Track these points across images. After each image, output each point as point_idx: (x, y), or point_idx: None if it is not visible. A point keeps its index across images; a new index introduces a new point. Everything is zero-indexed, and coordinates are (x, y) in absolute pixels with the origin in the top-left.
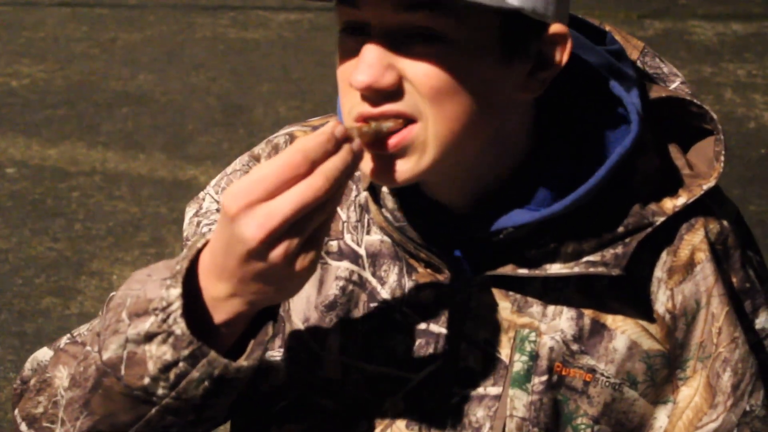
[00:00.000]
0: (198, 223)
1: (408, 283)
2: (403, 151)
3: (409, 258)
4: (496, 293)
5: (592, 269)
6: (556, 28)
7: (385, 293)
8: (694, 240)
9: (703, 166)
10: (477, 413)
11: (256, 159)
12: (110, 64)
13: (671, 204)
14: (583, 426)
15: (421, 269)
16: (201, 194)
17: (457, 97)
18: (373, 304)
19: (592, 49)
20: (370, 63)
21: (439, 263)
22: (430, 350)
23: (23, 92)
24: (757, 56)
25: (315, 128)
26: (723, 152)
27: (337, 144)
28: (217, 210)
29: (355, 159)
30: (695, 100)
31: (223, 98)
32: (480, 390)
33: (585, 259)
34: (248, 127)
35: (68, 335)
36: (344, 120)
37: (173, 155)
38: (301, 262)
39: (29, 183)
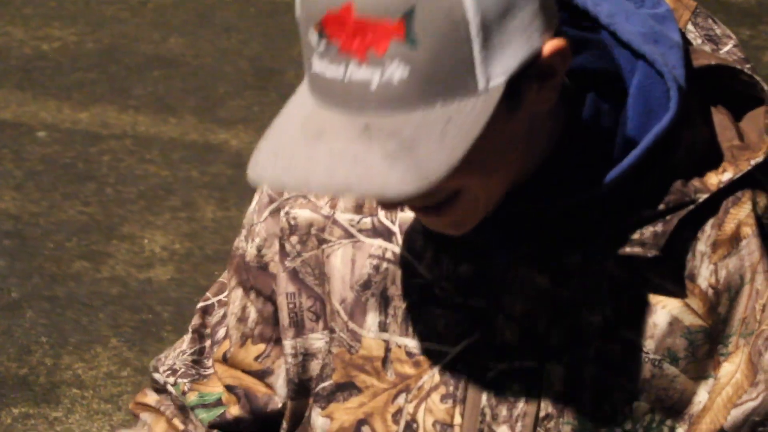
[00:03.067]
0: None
1: (445, 259)
2: (455, 215)
3: (443, 235)
4: (534, 267)
5: (628, 249)
6: (549, 47)
7: (422, 269)
8: (740, 214)
9: (755, 136)
10: (513, 387)
11: None
12: (141, 27)
13: (716, 179)
14: (621, 402)
15: (457, 244)
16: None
17: (493, 166)
18: (411, 281)
19: (635, 13)
20: (421, 199)
21: (475, 238)
22: (468, 324)
23: (54, 56)
24: None
25: None
26: None
27: None
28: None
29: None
30: (746, 68)
31: (255, 61)
32: (516, 364)
33: (623, 237)
34: (280, 90)
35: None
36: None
37: (204, 118)
38: None
39: (60, 147)
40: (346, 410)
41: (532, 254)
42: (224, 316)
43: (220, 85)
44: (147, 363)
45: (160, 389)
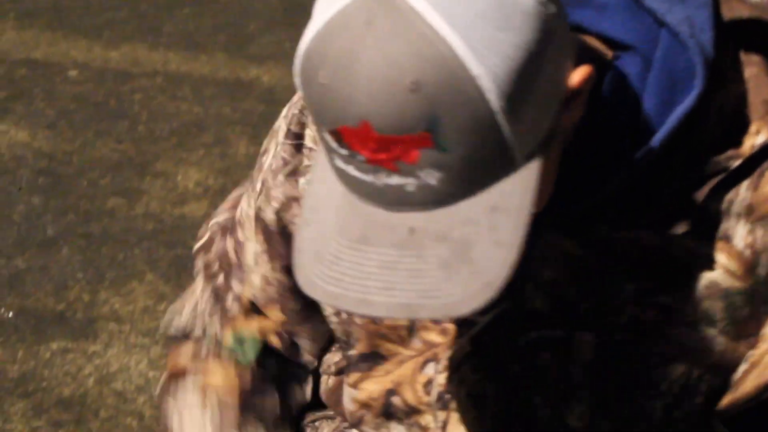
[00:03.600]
0: (263, 163)
1: None
2: None
3: None
4: (563, 233)
5: (662, 223)
6: (574, 81)
7: None
8: None
9: None
10: (543, 355)
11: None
12: None
13: (749, 143)
14: (655, 366)
15: None
16: (276, 125)
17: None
18: None
19: None
20: None
21: None
22: None
23: None
24: None
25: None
26: None
27: None
28: (276, 145)
29: None
30: None
31: None
32: (546, 332)
33: (655, 209)
34: None
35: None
36: None
37: (235, 55)
38: None
39: (92, 85)
40: (373, 379)
41: (561, 221)
42: (229, 265)
43: (250, 22)
44: None
45: (195, 341)
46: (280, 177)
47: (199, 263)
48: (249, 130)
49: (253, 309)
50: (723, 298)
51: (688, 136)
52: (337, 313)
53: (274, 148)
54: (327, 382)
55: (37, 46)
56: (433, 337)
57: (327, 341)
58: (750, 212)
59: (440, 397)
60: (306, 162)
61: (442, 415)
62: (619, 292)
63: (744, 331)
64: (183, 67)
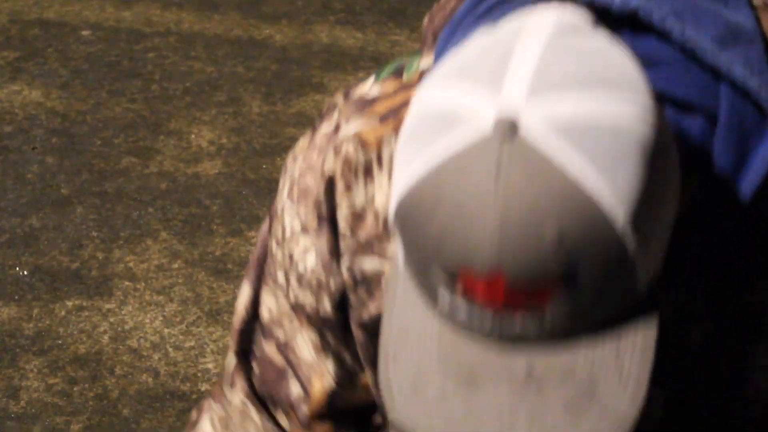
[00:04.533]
0: (290, 257)
1: None
2: None
3: None
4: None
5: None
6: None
7: None
8: None
9: None
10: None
11: (331, 180)
12: None
13: None
14: (733, 415)
15: None
16: (277, 207)
17: None
18: None
19: (706, 12)
20: None
21: None
22: None
23: None
24: None
25: (382, 118)
26: None
27: None
28: (302, 230)
29: None
30: None
31: None
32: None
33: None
34: None
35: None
36: None
37: (248, 14)
38: None
39: (105, 45)
40: None
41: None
42: (280, 373)
43: None
44: (197, 255)
45: None
46: (334, 266)
47: (241, 383)
48: (262, 89)
49: (330, 406)
50: None
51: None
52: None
53: (298, 228)
54: None
55: (50, 5)
56: None
57: None
58: None
59: None
60: (343, 246)
61: None
62: (689, 343)
63: None
64: (196, 26)
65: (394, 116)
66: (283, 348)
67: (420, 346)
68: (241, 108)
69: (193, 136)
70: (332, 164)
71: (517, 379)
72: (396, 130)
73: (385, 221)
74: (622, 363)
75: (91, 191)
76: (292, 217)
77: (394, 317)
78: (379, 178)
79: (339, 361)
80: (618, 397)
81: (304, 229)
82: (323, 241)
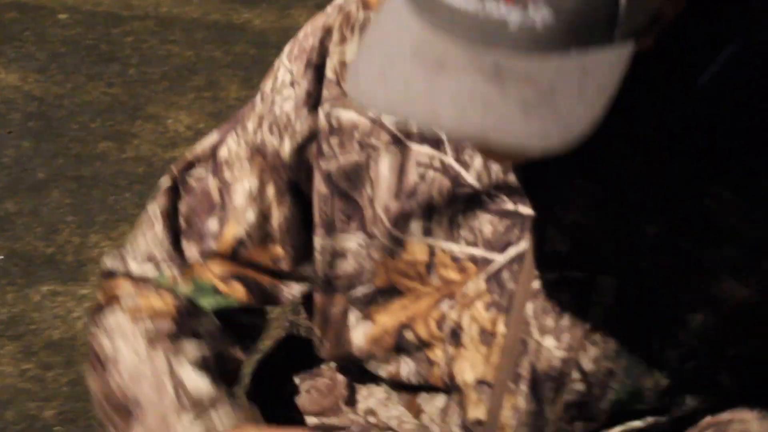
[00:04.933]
0: (272, 101)
1: (494, 166)
2: None
3: None
4: (589, 177)
5: (690, 159)
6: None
7: (470, 177)
8: None
9: None
10: (561, 298)
11: (328, 31)
12: None
13: None
14: (676, 315)
15: None
16: (276, 64)
17: None
18: (458, 190)
19: None
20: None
21: None
22: (517, 231)
23: None
24: None
25: None
26: None
27: None
28: (291, 83)
29: None
30: None
31: None
32: (565, 274)
33: (686, 147)
34: None
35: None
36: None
37: None
38: None
39: (82, 28)
40: (387, 313)
41: (586, 164)
42: (211, 204)
43: None
44: None
45: (137, 279)
46: (305, 110)
47: (164, 201)
48: (240, 74)
49: (234, 252)
50: (749, 252)
51: (737, 81)
52: (322, 252)
53: (288, 80)
54: (325, 325)
55: None
56: (452, 275)
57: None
58: None
59: (452, 333)
60: (326, 93)
61: (451, 350)
62: (642, 236)
63: (764, 282)
64: (174, 10)
65: None
66: (223, 188)
67: (395, 39)
68: (219, 93)
69: (170, 120)
70: (333, 18)
71: (482, 72)
72: None
73: None
74: (584, 81)
75: (67, 175)
76: (284, 73)
77: (380, 19)
78: None
79: (262, 218)
80: (573, 109)
81: (292, 83)
82: (303, 84)
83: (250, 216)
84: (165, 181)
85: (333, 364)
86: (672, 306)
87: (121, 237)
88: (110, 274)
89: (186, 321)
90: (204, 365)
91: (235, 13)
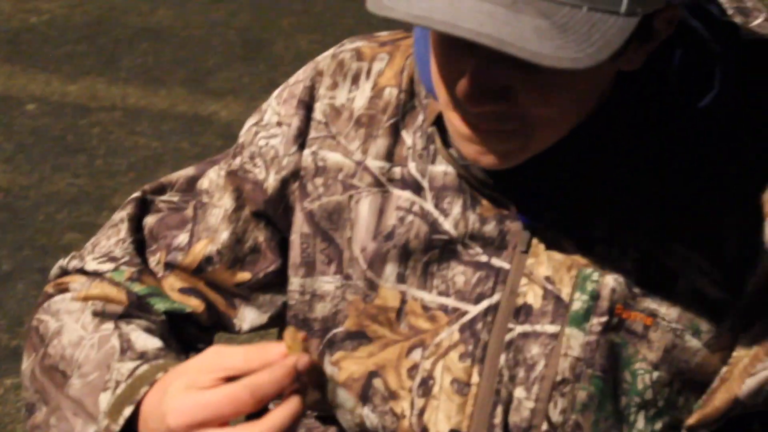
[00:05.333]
0: (256, 133)
1: (472, 216)
2: (505, 144)
3: (473, 191)
4: (561, 231)
5: (657, 220)
6: (674, 10)
7: (447, 225)
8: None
9: None
10: (532, 350)
11: (320, 74)
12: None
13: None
14: (641, 371)
15: (485, 203)
16: (264, 105)
17: (569, 108)
18: (435, 236)
19: None
20: (483, 86)
21: (504, 199)
22: (490, 284)
23: (42, 28)
24: None
25: (382, 44)
26: None
27: (295, 379)
28: (278, 123)
29: (301, 410)
30: None
31: (244, 32)
32: (537, 327)
33: (652, 208)
34: (269, 61)
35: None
36: (439, 99)
37: (194, 90)
38: None
39: (50, 119)
40: (354, 360)
41: (559, 219)
42: (182, 221)
43: (209, 57)
44: None
45: (91, 273)
46: (294, 147)
47: (132, 210)
48: None
49: (199, 267)
50: (709, 309)
51: (696, 138)
52: (302, 293)
53: (274, 121)
54: None
55: None
56: (421, 323)
57: (270, 318)
58: (743, 223)
59: (423, 383)
60: (313, 134)
61: (420, 402)
62: (611, 293)
63: (726, 345)
64: (141, 101)
65: (392, 44)
66: (199, 206)
67: None
68: None
69: None
70: (327, 63)
71: (502, 2)
72: (391, 54)
73: (357, 121)
74: (592, 31)
75: (33, 267)
76: (272, 114)
77: None
78: (364, 85)
79: (235, 239)
80: (582, 46)
81: (279, 123)
82: (294, 123)
83: (224, 236)
84: (134, 194)
85: (309, 412)
86: (636, 362)
87: None
88: (64, 272)
89: (136, 312)
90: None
91: (202, 104)
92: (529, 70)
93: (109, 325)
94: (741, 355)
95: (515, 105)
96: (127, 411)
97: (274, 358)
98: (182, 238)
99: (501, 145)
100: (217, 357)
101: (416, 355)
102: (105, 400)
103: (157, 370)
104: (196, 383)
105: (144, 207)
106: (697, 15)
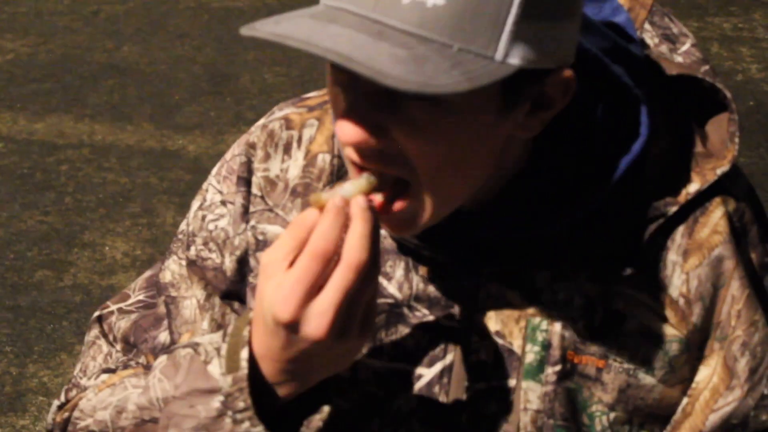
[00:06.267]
0: (203, 217)
1: (415, 278)
2: (402, 212)
3: (413, 255)
4: (505, 284)
5: (602, 268)
6: (561, 73)
7: (391, 288)
8: (710, 221)
9: (718, 142)
10: (492, 407)
11: (252, 147)
12: (94, 37)
13: (684, 191)
14: (598, 413)
15: (426, 264)
16: (204, 185)
17: (451, 160)
18: (380, 300)
19: (597, 29)
20: (357, 121)
21: (443, 259)
22: (441, 344)
23: (7, 67)
24: (743, 10)
25: (311, 108)
26: (737, 133)
27: (346, 214)
28: (222, 202)
29: (373, 215)
30: (704, 70)
31: (209, 67)
32: (494, 383)
33: (594, 254)
34: (235, 95)
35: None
36: (339, 139)
37: (161, 125)
38: (362, 333)
39: (17, 157)
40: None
41: (501, 272)
42: (156, 319)
43: (175, 92)
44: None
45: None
46: (243, 225)
47: (95, 330)
48: (176, 200)
49: None
50: (659, 345)
51: (628, 184)
52: None
53: (218, 200)
54: None
55: None
56: (373, 389)
57: None
58: (685, 259)
59: None
60: (252, 208)
61: None
62: (561, 340)
63: (683, 379)
64: (109, 137)
65: (320, 107)
66: (170, 301)
67: (298, 11)
68: (155, 219)
69: (107, 248)
70: (257, 135)
71: (367, 32)
72: (320, 118)
73: (293, 191)
74: (454, 70)
75: (4, 305)
76: (214, 193)
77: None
78: (296, 154)
79: (216, 325)
80: (437, 77)
81: (223, 202)
82: (238, 200)
83: (204, 325)
84: (95, 314)
85: None
86: (593, 405)
87: (59, 366)
88: (65, 404)
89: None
90: None
91: (170, 139)
92: (397, 108)
93: (161, 359)
94: (701, 387)
95: (391, 141)
96: (244, 352)
97: (314, 217)
98: (163, 337)
99: (399, 213)
100: (271, 252)
101: (375, 425)
102: (215, 367)
103: (244, 315)
104: (277, 276)
105: (104, 322)
106: (618, 58)
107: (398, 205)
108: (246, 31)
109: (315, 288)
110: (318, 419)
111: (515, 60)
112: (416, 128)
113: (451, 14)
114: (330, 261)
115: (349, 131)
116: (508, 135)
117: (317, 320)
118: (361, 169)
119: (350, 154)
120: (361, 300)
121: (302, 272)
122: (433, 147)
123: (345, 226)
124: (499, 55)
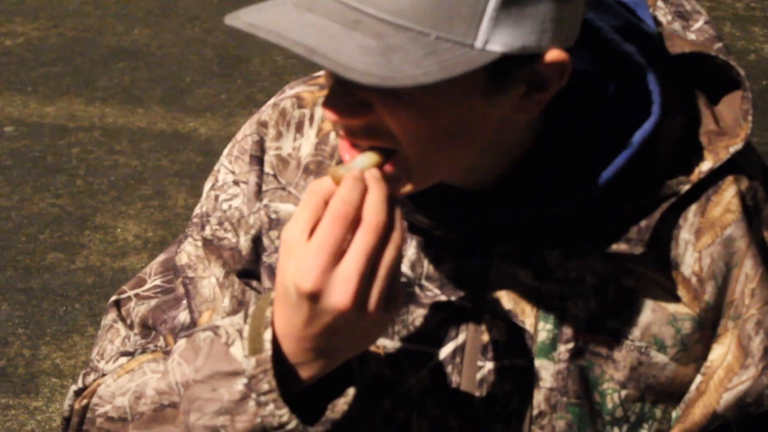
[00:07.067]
0: (216, 197)
1: (426, 258)
2: (390, 177)
3: (424, 234)
4: (517, 262)
5: (614, 246)
6: (552, 55)
7: (404, 267)
8: (722, 200)
9: (731, 120)
10: (505, 386)
11: (264, 125)
12: (104, 20)
13: (697, 170)
14: (610, 391)
15: (438, 243)
16: (216, 166)
17: (436, 137)
18: None
19: (609, 7)
20: (340, 100)
21: (454, 238)
22: (453, 324)
23: (18, 51)
24: None
25: (322, 87)
26: (750, 111)
27: (364, 183)
28: (234, 182)
29: (386, 183)
30: (717, 48)
31: (220, 49)
32: (506, 362)
33: (607, 233)
34: (246, 77)
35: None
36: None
37: (172, 108)
38: (387, 309)
39: (28, 141)
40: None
41: (512, 251)
42: (176, 300)
43: (186, 74)
44: None
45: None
46: (257, 203)
47: (113, 314)
48: (187, 182)
49: None
50: (671, 323)
51: (641, 161)
52: None
53: (230, 180)
54: None
55: None
56: (384, 370)
57: None
58: (698, 238)
59: None
60: (264, 187)
61: None
62: (574, 318)
63: (696, 357)
64: (120, 120)
65: None
66: (188, 282)
67: (282, 4)
68: (166, 201)
69: (119, 230)
70: (269, 114)
71: (342, 21)
72: None
73: (305, 169)
74: (426, 60)
75: (16, 288)
76: (226, 173)
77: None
78: (308, 132)
79: (236, 302)
80: (403, 69)
81: (236, 182)
82: (252, 179)
83: (225, 302)
84: (111, 298)
85: None
86: (605, 383)
87: (72, 348)
88: (83, 389)
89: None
90: None
91: (181, 122)
92: (388, 94)
93: (180, 342)
94: (715, 365)
95: (377, 117)
96: (267, 333)
97: (330, 187)
98: (182, 317)
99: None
100: (290, 227)
101: (386, 404)
102: (237, 350)
103: (266, 295)
104: (298, 249)
105: (126, 306)
106: (630, 36)
107: (387, 168)
108: (228, 20)
109: (338, 253)
110: (343, 402)
111: (496, 47)
112: (399, 105)
113: (428, 2)
114: (351, 224)
115: (333, 110)
116: (503, 116)
117: (341, 287)
118: (352, 145)
119: (338, 129)
120: (384, 266)
121: (324, 237)
122: (415, 123)
123: (364, 194)
124: (479, 42)
